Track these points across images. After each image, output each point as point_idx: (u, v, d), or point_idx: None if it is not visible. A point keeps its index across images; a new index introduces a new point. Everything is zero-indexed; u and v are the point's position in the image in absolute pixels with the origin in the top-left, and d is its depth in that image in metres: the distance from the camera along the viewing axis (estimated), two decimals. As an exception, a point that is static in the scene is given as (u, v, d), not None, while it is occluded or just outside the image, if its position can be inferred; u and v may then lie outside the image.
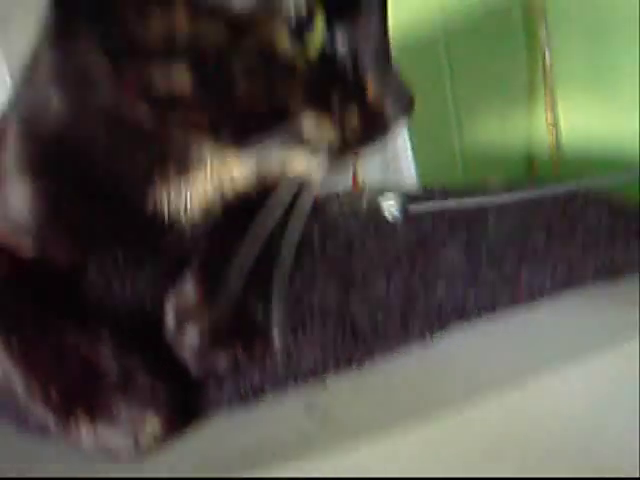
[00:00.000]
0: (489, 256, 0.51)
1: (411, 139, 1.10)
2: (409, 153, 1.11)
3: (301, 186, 0.42)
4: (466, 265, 0.51)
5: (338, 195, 0.66)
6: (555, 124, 1.03)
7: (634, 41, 0.87)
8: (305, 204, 0.42)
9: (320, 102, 0.38)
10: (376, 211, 0.58)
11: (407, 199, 0.51)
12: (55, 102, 0.44)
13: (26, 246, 0.51)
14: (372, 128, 0.39)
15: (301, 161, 0.39)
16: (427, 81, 1.08)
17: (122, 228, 0.50)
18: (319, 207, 0.63)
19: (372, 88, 0.38)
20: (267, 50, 0.36)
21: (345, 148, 0.39)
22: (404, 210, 0.52)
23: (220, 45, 0.35)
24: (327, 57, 0.37)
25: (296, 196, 0.42)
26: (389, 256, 0.52)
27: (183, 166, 0.45)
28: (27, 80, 0.47)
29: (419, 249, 0.52)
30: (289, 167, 0.40)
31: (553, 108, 1.03)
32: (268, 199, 0.42)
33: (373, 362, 0.45)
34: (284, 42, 0.35)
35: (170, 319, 0.48)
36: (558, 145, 1.04)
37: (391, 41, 0.40)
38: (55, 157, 0.47)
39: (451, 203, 0.51)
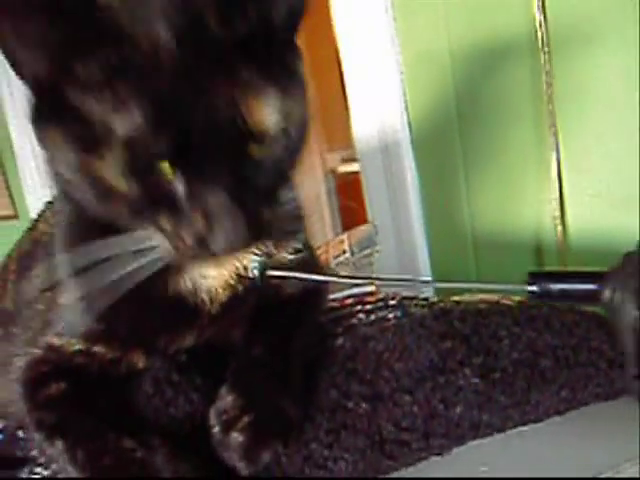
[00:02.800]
0: (502, 380, 0.59)
1: (425, 225, 1.21)
2: (424, 240, 1.21)
3: None
4: (481, 387, 0.59)
5: (363, 303, 0.75)
6: (562, 216, 1.11)
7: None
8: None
9: (152, 222, 0.49)
10: (401, 327, 0.67)
11: (267, 265, 0.57)
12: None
13: (82, 348, 0.60)
14: (201, 254, 0.49)
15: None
16: (441, 169, 1.19)
17: (157, 314, 0.61)
18: (347, 317, 0.72)
19: (203, 225, 0.48)
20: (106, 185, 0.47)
21: (186, 257, 0.50)
22: (262, 273, 0.57)
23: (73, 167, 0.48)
24: (170, 193, 0.47)
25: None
26: (413, 375, 0.60)
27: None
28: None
29: (440, 370, 0.61)
30: None
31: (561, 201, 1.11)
32: None
33: (397, 472, 0.53)
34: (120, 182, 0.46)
35: (215, 427, 0.55)
36: (565, 236, 1.11)
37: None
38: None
39: (306, 277, 0.57)
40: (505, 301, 0.73)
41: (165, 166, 0.46)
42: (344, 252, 1.03)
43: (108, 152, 0.46)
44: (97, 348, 0.62)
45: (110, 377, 0.63)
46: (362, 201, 2.25)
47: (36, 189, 2.10)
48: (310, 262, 0.68)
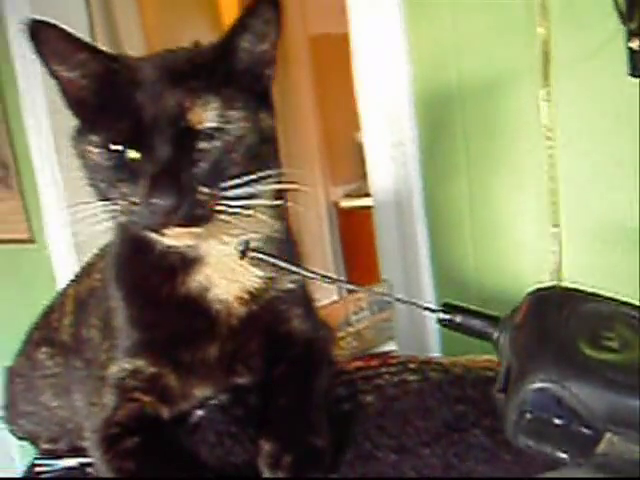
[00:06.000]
0: (506, 440, 0.74)
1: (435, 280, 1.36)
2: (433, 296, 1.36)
3: None
4: (489, 445, 0.73)
5: (386, 365, 0.90)
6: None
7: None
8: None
9: (117, 190, 0.69)
10: (422, 390, 0.82)
11: (249, 244, 0.72)
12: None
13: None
14: (147, 213, 0.67)
15: None
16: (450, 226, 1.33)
17: (175, 317, 0.78)
18: (374, 377, 0.87)
19: (144, 187, 0.67)
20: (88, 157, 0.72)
21: (140, 223, 0.69)
22: (245, 251, 0.71)
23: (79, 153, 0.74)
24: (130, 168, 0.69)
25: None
26: (432, 432, 0.75)
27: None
28: None
29: (455, 428, 0.75)
30: None
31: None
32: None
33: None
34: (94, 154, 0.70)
35: (264, 471, 0.71)
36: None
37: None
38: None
39: (284, 265, 0.71)
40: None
41: (131, 149, 0.68)
42: (362, 309, 1.18)
43: (94, 137, 0.69)
44: (139, 363, 0.78)
45: (173, 423, 0.79)
46: (363, 235, 2.39)
47: (54, 214, 2.22)
48: (304, 294, 0.86)
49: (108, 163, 0.69)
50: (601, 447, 0.50)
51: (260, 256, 0.71)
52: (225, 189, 0.69)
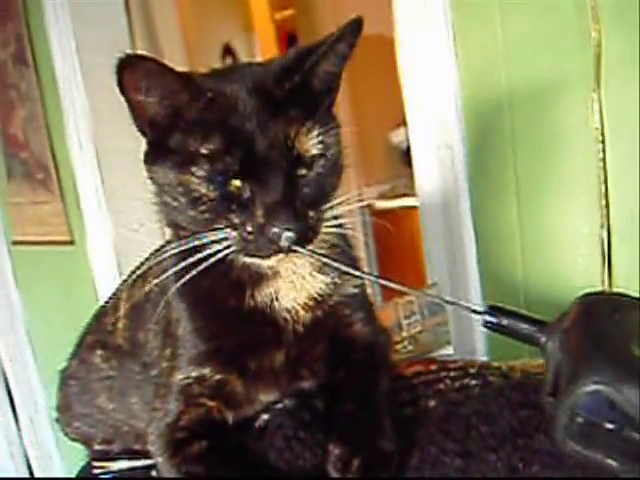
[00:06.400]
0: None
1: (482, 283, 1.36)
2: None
3: None
4: (553, 450, 0.74)
5: (446, 369, 0.91)
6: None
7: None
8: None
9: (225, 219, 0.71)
10: (484, 395, 0.83)
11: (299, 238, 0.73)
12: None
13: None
14: (262, 241, 0.70)
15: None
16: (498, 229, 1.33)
17: (242, 330, 0.81)
18: (435, 382, 0.88)
19: (261, 216, 0.70)
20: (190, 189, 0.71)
21: (251, 250, 0.72)
22: (291, 246, 0.71)
23: (173, 184, 0.73)
24: (239, 198, 0.71)
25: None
26: (497, 437, 0.76)
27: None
28: None
29: (519, 433, 0.76)
30: None
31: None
32: None
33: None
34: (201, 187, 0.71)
35: (334, 475, 0.73)
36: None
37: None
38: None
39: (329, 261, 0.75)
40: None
41: (235, 179, 0.70)
42: (413, 313, 1.18)
43: (197, 169, 0.70)
44: (205, 371, 0.81)
45: (239, 428, 0.80)
46: (399, 237, 2.40)
47: (94, 217, 2.26)
48: (364, 298, 0.88)
49: (214, 194, 0.71)
50: None
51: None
52: (323, 211, 0.74)
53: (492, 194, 1.37)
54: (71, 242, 2.38)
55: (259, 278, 0.79)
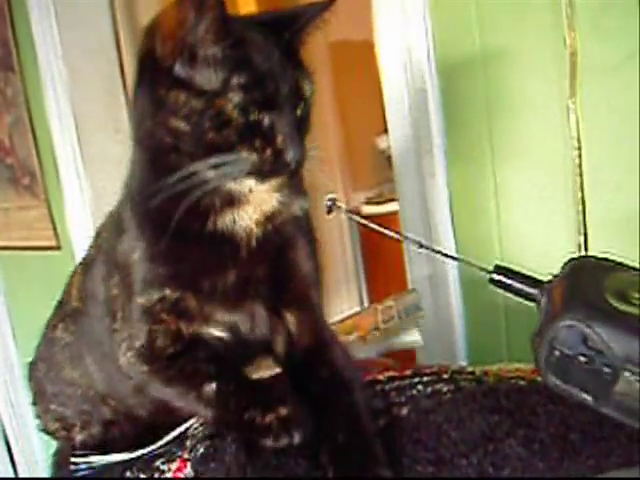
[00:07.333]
0: (540, 450, 0.76)
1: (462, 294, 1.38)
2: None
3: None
4: (524, 455, 0.75)
5: (420, 375, 0.92)
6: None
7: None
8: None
9: (248, 143, 0.80)
10: (456, 401, 0.84)
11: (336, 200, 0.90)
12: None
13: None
14: (277, 164, 0.81)
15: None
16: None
17: (202, 252, 0.87)
18: (408, 387, 0.89)
19: (281, 142, 0.81)
20: (223, 114, 0.79)
21: (264, 172, 0.82)
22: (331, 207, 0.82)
23: (199, 109, 0.79)
24: (260, 125, 0.81)
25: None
26: (468, 443, 0.77)
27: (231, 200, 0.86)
28: None
29: (490, 439, 0.77)
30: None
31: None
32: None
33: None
34: (234, 113, 0.79)
35: None
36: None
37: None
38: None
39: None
40: (539, 376, 0.90)
41: (260, 110, 0.81)
42: (392, 317, 1.20)
43: (233, 96, 0.79)
44: (166, 292, 0.87)
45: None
46: (386, 242, 2.42)
47: (80, 222, 2.26)
48: (308, 226, 0.99)
49: (242, 120, 0.80)
50: (619, 386, 0.56)
51: (348, 213, 0.79)
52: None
53: (471, 198, 1.39)
54: (57, 247, 2.38)
55: (226, 203, 0.86)
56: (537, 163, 1.29)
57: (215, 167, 0.80)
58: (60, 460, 1.15)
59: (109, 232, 1.00)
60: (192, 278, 0.88)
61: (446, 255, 0.85)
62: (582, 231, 1.24)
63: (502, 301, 1.34)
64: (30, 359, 1.19)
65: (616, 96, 1.19)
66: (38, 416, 1.18)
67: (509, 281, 0.67)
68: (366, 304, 3.50)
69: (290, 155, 0.81)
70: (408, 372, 0.92)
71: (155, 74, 0.83)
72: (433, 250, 0.77)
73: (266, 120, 0.82)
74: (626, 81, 1.16)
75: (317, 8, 0.90)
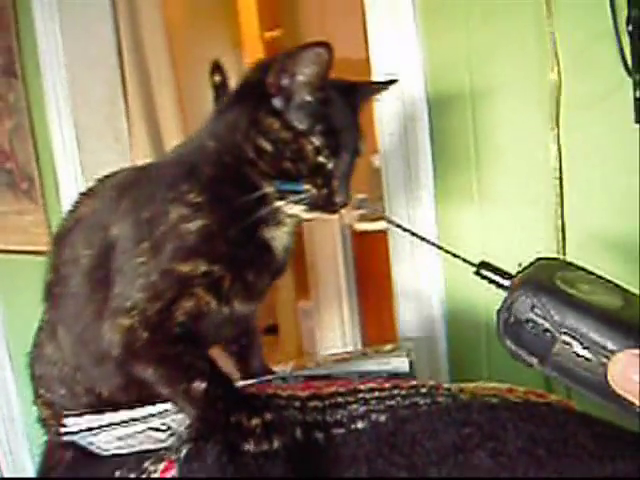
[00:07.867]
0: (508, 463, 0.80)
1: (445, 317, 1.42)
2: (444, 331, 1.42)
3: None
4: (492, 467, 0.80)
5: (399, 387, 0.97)
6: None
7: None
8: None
9: (312, 179, 0.98)
10: (431, 414, 0.88)
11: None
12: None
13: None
14: (327, 202, 0.99)
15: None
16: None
17: (253, 250, 1.02)
18: (387, 398, 0.94)
19: (336, 186, 0.98)
20: (302, 151, 0.96)
21: (316, 205, 0.99)
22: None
23: (285, 140, 0.96)
24: (324, 167, 0.98)
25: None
26: (440, 452, 0.82)
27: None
28: None
29: (461, 450, 0.82)
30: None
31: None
32: None
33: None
34: (311, 153, 0.97)
35: None
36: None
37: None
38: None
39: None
40: (512, 395, 0.95)
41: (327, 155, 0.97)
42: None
43: (315, 140, 0.96)
44: (215, 268, 0.96)
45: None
46: (378, 259, 2.45)
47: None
48: None
49: (313, 159, 0.96)
50: (556, 348, 0.66)
51: (373, 210, 0.92)
52: None
53: (457, 219, 1.45)
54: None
55: (275, 223, 1.02)
56: (521, 193, 1.35)
57: (282, 192, 0.97)
58: (46, 457, 1.17)
59: (113, 201, 1.07)
60: (242, 265, 1.00)
61: (444, 249, 0.91)
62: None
63: (485, 310, 1.38)
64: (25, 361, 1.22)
65: (599, 128, 1.24)
66: (35, 405, 1.20)
67: (490, 275, 0.77)
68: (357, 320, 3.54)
69: (340, 198, 0.99)
70: (388, 385, 0.96)
71: (258, 99, 0.98)
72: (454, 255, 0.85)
73: (330, 164, 0.98)
74: (608, 114, 1.21)
75: (380, 84, 1.15)
